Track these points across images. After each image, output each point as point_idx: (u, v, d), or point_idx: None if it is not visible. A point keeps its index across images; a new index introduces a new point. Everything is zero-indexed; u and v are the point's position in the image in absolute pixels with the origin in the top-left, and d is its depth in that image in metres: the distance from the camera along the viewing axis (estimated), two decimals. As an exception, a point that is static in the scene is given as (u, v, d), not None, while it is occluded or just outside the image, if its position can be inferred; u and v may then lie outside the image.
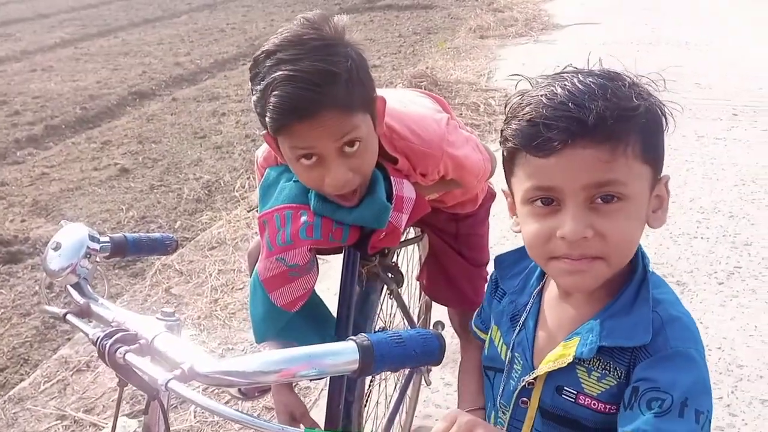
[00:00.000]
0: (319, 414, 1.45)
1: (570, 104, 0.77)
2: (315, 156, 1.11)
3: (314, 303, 1.35)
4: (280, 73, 1.04)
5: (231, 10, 11.51)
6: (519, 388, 0.91)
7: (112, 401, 2.21)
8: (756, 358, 2.24)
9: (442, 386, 2.18)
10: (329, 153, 1.10)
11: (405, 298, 1.84)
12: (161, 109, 5.77)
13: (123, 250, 1.03)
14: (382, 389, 1.82)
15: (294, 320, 1.29)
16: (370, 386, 1.71)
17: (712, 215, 3.20)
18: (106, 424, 2.10)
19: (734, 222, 3.13)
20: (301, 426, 1.32)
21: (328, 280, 1.63)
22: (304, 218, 1.21)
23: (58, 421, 2.13)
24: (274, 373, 0.68)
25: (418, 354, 0.74)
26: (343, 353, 0.69)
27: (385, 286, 1.53)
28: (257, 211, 1.32)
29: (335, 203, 1.20)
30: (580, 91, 0.78)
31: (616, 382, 0.83)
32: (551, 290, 0.95)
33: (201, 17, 10.87)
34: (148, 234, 1.11)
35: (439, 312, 1.93)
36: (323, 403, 1.35)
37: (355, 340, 0.71)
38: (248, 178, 4.02)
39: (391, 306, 1.75)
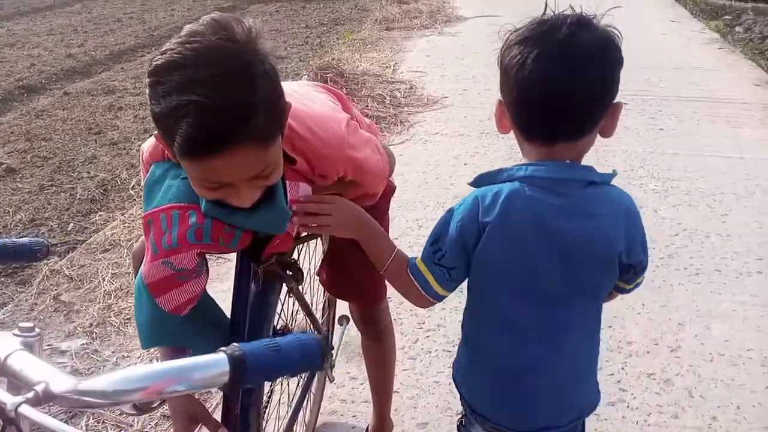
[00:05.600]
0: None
1: None
2: (224, 185, 1.05)
3: (206, 305, 1.30)
4: (196, 98, 0.93)
5: (128, -2, 10.98)
6: None
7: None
8: (643, 334, 2.38)
9: (347, 380, 2.18)
10: (240, 182, 1.05)
11: (309, 294, 1.82)
12: (52, 104, 5.43)
13: (-21, 257, 0.94)
14: (284, 388, 1.79)
15: (184, 324, 1.24)
16: (271, 387, 1.68)
17: (604, 200, 3.36)
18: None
19: (624, 206, 3.31)
20: None
21: (229, 280, 1.58)
22: (193, 219, 1.14)
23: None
24: (137, 392, 0.63)
25: (297, 361, 0.71)
26: (212, 366, 0.66)
27: (285, 285, 1.51)
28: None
29: (230, 206, 1.13)
30: None
31: None
32: None
33: (96, 6, 10.30)
34: (14, 239, 1.02)
35: (345, 306, 1.93)
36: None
37: (225, 351, 0.67)
38: (147, 176, 3.85)
39: (294, 303, 1.72)
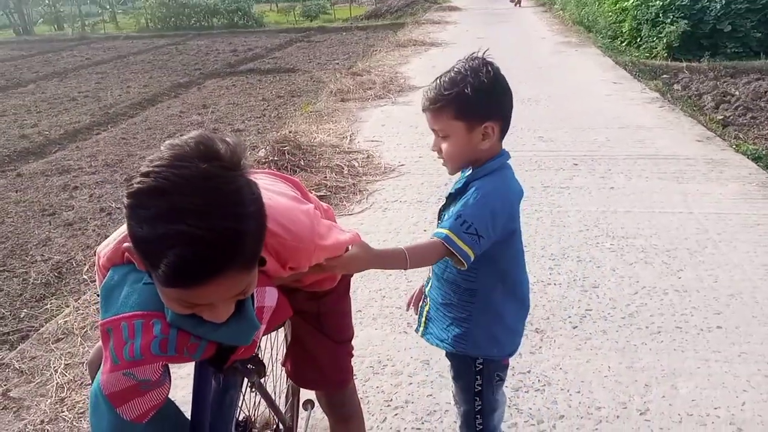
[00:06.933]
0: None
1: None
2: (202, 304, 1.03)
3: (167, 407, 1.25)
4: (185, 228, 0.90)
5: (83, 77, 11.02)
6: None
7: None
8: (611, 398, 2.37)
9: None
10: (220, 303, 1.04)
11: (272, 380, 1.77)
12: (4, 186, 5.33)
13: None
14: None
15: (144, 430, 1.18)
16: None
17: (562, 261, 3.41)
18: None
19: (582, 266, 3.36)
20: None
21: (184, 366, 1.52)
22: (157, 330, 1.09)
23: None
24: None
25: None
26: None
27: (246, 378, 1.47)
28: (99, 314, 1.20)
29: (198, 317, 1.08)
30: None
31: None
32: None
33: (50, 86, 10.29)
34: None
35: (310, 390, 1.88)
36: None
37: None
38: (103, 258, 3.76)
39: (256, 394, 1.67)
